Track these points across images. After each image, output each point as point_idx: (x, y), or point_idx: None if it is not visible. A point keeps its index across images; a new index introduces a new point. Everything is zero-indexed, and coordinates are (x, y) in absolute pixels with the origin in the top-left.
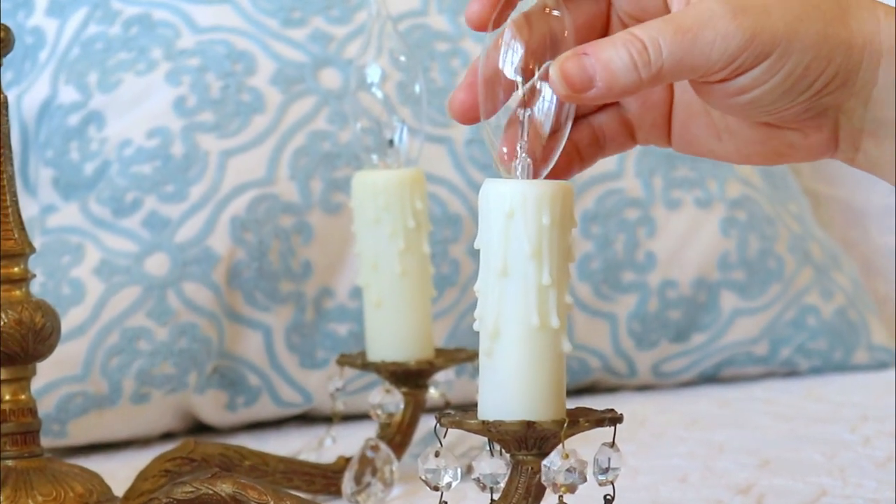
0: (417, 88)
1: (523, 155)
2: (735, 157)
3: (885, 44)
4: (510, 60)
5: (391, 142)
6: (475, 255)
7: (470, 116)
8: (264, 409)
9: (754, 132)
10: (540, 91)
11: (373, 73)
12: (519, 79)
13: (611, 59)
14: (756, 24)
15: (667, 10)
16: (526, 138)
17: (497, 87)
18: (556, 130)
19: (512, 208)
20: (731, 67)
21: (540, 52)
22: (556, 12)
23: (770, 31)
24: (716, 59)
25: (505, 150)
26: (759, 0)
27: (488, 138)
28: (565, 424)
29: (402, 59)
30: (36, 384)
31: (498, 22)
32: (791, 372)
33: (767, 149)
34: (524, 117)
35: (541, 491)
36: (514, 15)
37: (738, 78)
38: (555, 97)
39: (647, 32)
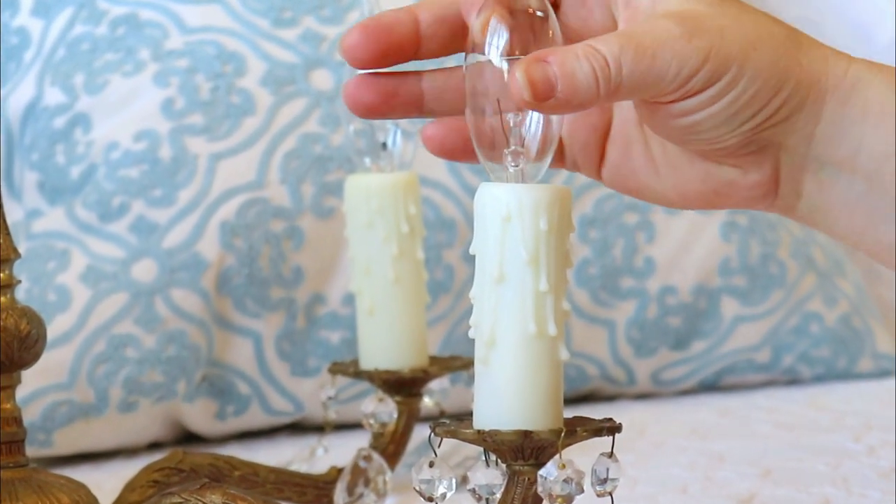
0: None
1: (515, 157)
2: (672, 195)
3: (830, 82)
4: (496, 45)
5: (384, 144)
6: (470, 260)
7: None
8: (255, 418)
9: (694, 168)
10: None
11: None
12: (505, 66)
13: (574, 70)
14: (710, 46)
15: (612, 27)
16: (517, 141)
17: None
18: (548, 132)
19: (509, 213)
20: (684, 89)
21: (525, 43)
22: (539, 13)
23: (724, 54)
24: (670, 79)
25: (494, 152)
26: (715, 22)
27: (475, 138)
28: (562, 434)
29: None
30: (21, 392)
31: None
32: (793, 380)
33: (707, 188)
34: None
35: (537, 502)
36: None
37: (686, 100)
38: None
39: (608, 48)
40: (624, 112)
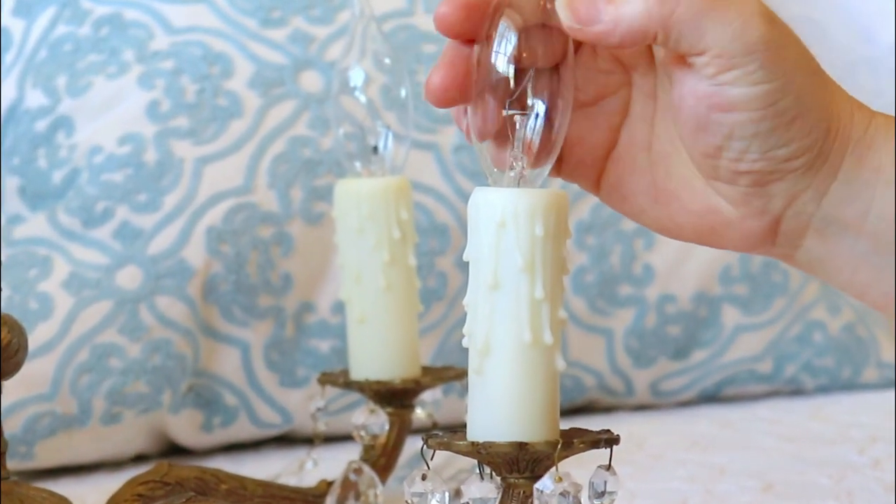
0: (403, 92)
1: (516, 162)
2: (666, 224)
3: (853, 138)
4: (503, 51)
5: (375, 148)
6: (463, 267)
7: (448, 98)
8: (242, 429)
9: (695, 200)
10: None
11: (356, 77)
12: (512, 71)
13: None
14: (779, 38)
15: None
16: (518, 145)
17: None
18: (549, 136)
19: (503, 218)
20: (738, 61)
21: (534, 48)
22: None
23: (786, 55)
24: (729, 38)
25: (495, 156)
26: (785, 26)
27: (477, 144)
28: (559, 446)
29: (387, 61)
30: (2, 403)
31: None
32: (796, 391)
33: (703, 223)
34: (519, 123)
35: None
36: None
37: (733, 88)
38: (546, 106)
39: None
40: (634, 134)
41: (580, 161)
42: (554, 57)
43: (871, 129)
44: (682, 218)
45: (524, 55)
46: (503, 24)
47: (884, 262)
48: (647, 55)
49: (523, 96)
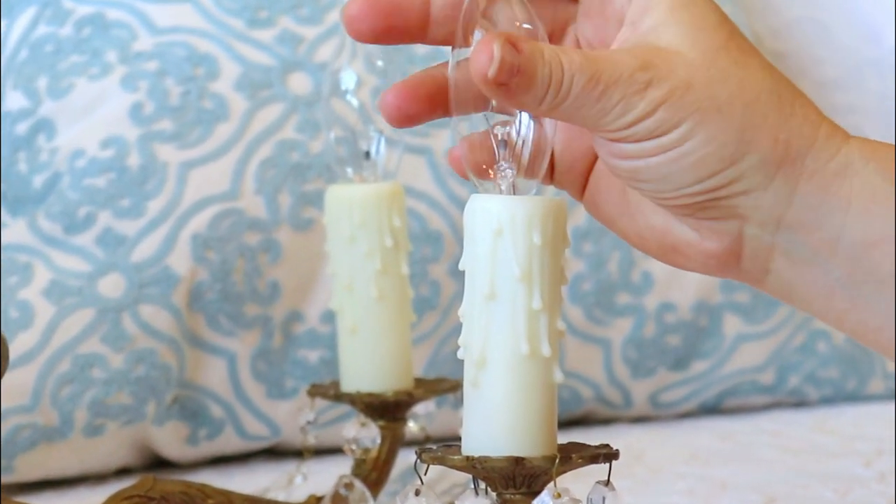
0: None
1: (507, 169)
2: (633, 238)
3: (810, 166)
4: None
5: (367, 153)
6: (457, 276)
7: (404, 115)
8: (229, 442)
9: (657, 218)
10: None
11: (347, 79)
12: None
13: (536, 68)
14: (666, 99)
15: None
16: (508, 151)
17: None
18: (539, 143)
19: (500, 226)
20: (625, 133)
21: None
22: (527, 25)
23: (681, 108)
24: (611, 119)
25: (483, 165)
26: (689, 72)
27: (466, 156)
28: (556, 461)
29: (380, 63)
30: None
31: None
32: (800, 402)
33: (665, 241)
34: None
35: None
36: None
37: (627, 144)
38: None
39: (570, 63)
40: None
41: (569, 167)
42: None
43: (842, 153)
44: (647, 233)
45: None
46: (479, 33)
47: (861, 289)
48: None
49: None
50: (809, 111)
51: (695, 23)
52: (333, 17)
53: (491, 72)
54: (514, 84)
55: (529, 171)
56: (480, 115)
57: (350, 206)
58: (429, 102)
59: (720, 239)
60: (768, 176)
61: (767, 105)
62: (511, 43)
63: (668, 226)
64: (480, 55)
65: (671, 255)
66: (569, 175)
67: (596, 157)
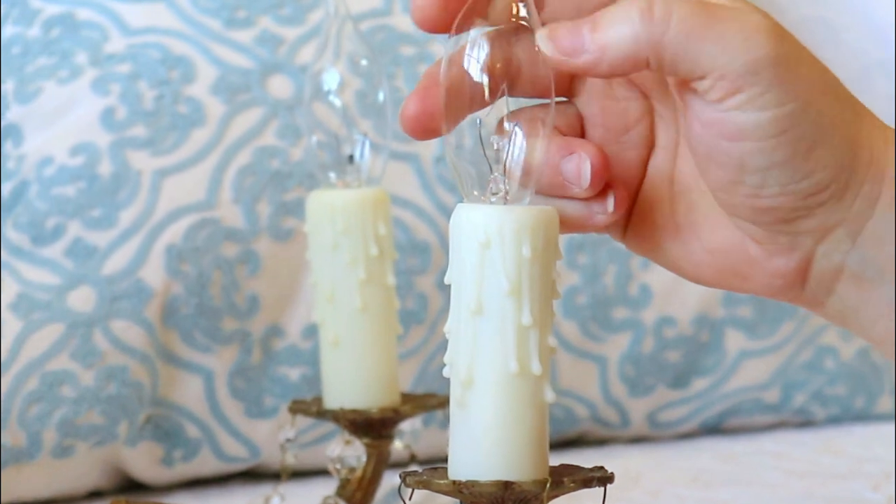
0: (381, 97)
1: (500, 179)
2: (685, 265)
3: (888, 173)
4: (476, 59)
5: (351, 158)
6: (446, 289)
7: (428, 128)
8: (205, 464)
9: (717, 236)
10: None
11: (329, 81)
12: (486, 80)
13: (612, 17)
14: (789, 55)
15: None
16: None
17: (463, 94)
18: (531, 158)
19: (488, 238)
20: (742, 82)
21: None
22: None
23: (798, 75)
24: (730, 57)
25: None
26: (797, 43)
27: (450, 159)
28: (548, 485)
29: (364, 63)
30: None
31: (461, 26)
32: (806, 422)
33: (725, 263)
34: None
35: None
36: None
37: (741, 114)
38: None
39: None
40: (658, 166)
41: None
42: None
43: None
44: (702, 258)
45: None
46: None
47: None
48: (662, 77)
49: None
50: (871, 115)
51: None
52: (315, 16)
53: (550, 53)
54: (593, 43)
55: (522, 185)
56: (469, 124)
57: (333, 212)
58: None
59: (790, 256)
60: (859, 179)
61: (848, 100)
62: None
63: (730, 246)
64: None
65: (730, 278)
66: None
67: (638, 188)
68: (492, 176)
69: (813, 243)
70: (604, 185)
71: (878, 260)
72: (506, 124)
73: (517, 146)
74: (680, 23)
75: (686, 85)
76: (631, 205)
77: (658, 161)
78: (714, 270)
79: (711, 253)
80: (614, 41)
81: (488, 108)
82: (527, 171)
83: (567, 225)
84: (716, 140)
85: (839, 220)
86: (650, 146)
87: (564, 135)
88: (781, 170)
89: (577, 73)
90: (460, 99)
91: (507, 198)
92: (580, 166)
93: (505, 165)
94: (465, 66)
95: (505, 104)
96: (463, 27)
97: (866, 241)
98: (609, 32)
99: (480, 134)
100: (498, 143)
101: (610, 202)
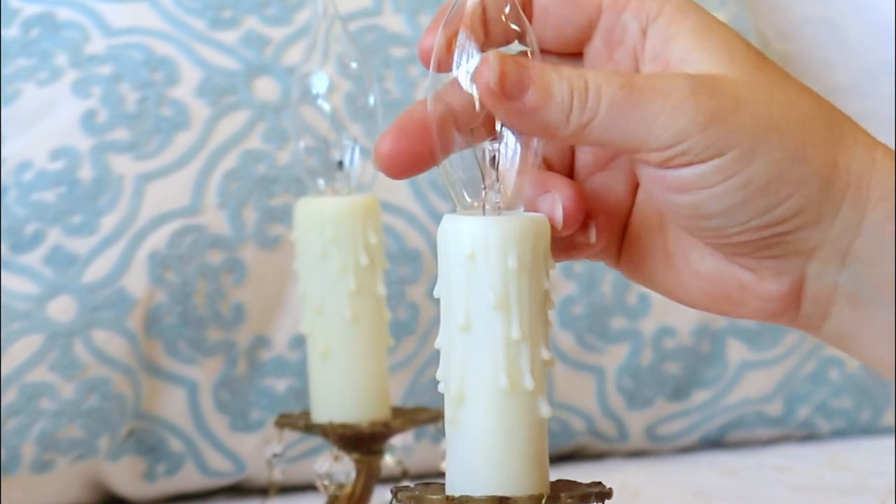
0: (371, 101)
1: (490, 190)
2: (678, 293)
3: (875, 191)
4: (465, 65)
5: (340, 163)
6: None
7: (403, 167)
8: (189, 479)
9: (706, 264)
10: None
11: (318, 83)
12: (475, 91)
13: (551, 83)
14: (717, 111)
15: None
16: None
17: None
18: (526, 160)
19: (473, 250)
20: (673, 151)
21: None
22: (514, 26)
23: (732, 124)
24: (656, 133)
25: (464, 187)
26: (737, 90)
27: (441, 167)
28: (544, 500)
29: (354, 65)
30: None
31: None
32: (810, 435)
33: (717, 289)
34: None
35: None
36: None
37: (681, 169)
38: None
39: (595, 77)
40: (645, 192)
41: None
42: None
43: None
44: (694, 285)
45: None
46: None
47: None
48: None
49: (490, 121)
50: (859, 133)
51: (724, 46)
52: (303, 16)
53: (492, 82)
54: (528, 101)
55: (514, 195)
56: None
57: (321, 220)
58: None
59: (781, 280)
60: (835, 203)
61: (819, 125)
62: (516, 60)
63: (720, 272)
64: (482, 69)
65: (724, 304)
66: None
67: (628, 215)
68: (484, 183)
69: (801, 264)
70: (582, 219)
71: (872, 280)
72: (498, 128)
73: (510, 151)
74: (608, 109)
75: None
76: (622, 232)
77: (647, 191)
78: (706, 296)
79: (702, 279)
80: (547, 113)
81: (480, 113)
82: (521, 178)
83: (555, 253)
84: (664, 193)
85: (819, 243)
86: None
87: (550, 165)
88: (739, 210)
89: (500, 115)
90: (449, 133)
91: (500, 206)
92: (553, 207)
93: (497, 172)
94: (454, 69)
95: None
96: (445, 66)
97: (857, 261)
98: (549, 100)
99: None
100: (489, 149)
101: (591, 234)
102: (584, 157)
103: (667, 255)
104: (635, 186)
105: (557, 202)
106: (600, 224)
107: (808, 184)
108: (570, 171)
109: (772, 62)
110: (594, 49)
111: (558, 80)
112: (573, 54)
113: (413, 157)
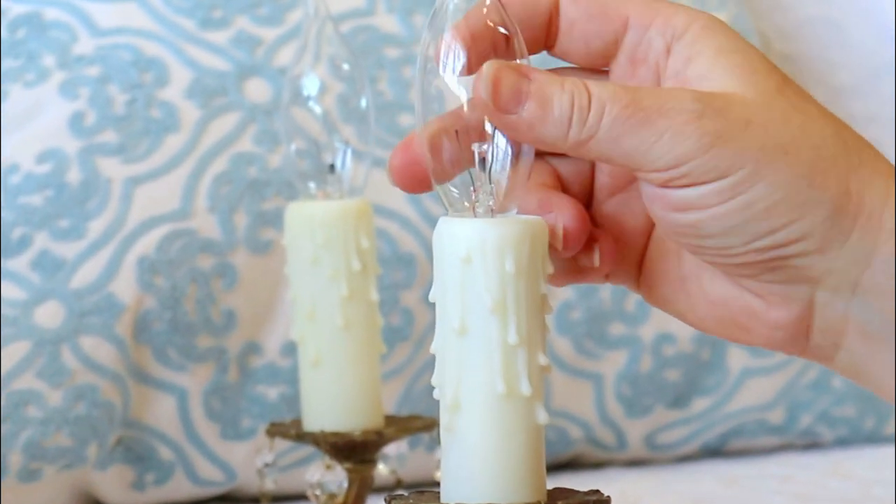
0: (363, 103)
1: (483, 193)
2: (690, 316)
3: (888, 223)
4: (451, 68)
5: (332, 166)
6: (433, 302)
7: (416, 178)
8: (178, 488)
9: (715, 288)
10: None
11: (309, 85)
12: (463, 92)
13: (551, 96)
14: (724, 132)
15: None
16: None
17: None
18: (517, 164)
19: (469, 253)
20: (674, 173)
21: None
22: (502, 29)
23: (738, 147)
24: (658, 154)
25: (455, 190)
26: (747, 111)
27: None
28: None
29: (346, 67)
30: None
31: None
32: (812, 444)
33: (725, 314)
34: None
35: None
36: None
37: (683, 189)
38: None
39: (600, 91)
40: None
41: (622, 256)
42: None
43: None
44: (704, 309)
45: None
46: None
47: None
48: None
49: (480, 125)
50: (879, 161)
51: (745, 66)
52: (294, 16)
53: (485, 94)
54: (525, 116)
55: (506, 199)
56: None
57: (312, 224)
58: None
59: (789, 307)
60: (843, 231)
61: (834, 151)
62: (516, 68)
63: (729, 297)
64: (476, 80)
65: (733, 329)
66: (622, 265)
67: (649, 239)
68: (474, 185)
69: (809, 292)
70: (584, 240)
71: (883, 313)
72: (488, 129)
73: (501, 153)
74: (609, 127)
75: None
76: (641, 255)
77: None
78: (716, 322)
79: (713, 304)
80: (545, 127)
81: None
82: (513, 180)
83: (560, 276)
84: (664, 211)
85: (826, 271)
86: None
87: (567, 186)
88: (740, 231)
89: (498, 126)
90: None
91: (493, 208)
92: (555, 229)
93: (489, 174)
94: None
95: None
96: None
97: (867, 292)
98: (547, 113)
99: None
100: (480, 150)
101: (595, 257)
102: (603, 179)
103: (681, 279)
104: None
105: (559, 222)
106: (605, 248)
107: (815, 209)
108: (588, 193)
109: (795, 85)
110: (619, 65)
111: (559, 94)
112: (599, 70)
113: (425, 170)
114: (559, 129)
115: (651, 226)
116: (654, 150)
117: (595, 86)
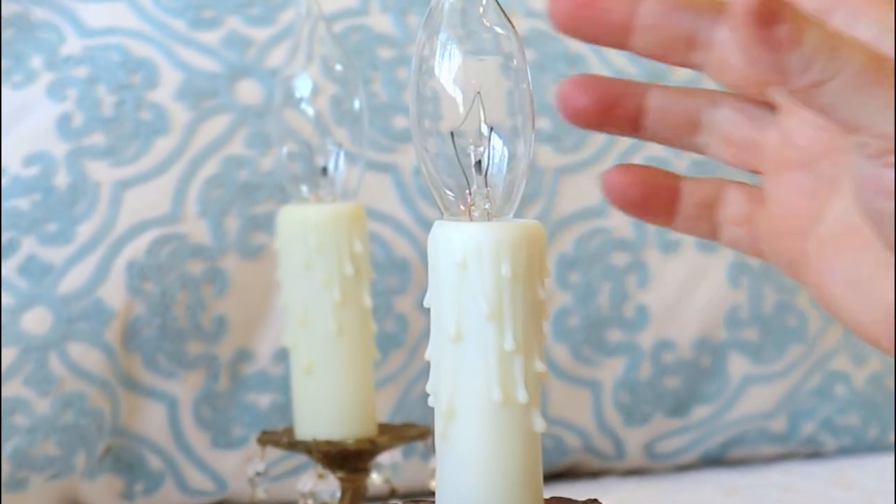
0: (356, 104)
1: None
2: (861, 319)
3: None
4: (447, 69)
5: (324, 169)
6: (427, 308)
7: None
8: (168, 497)
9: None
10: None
11: (302, 87)
12: (459, 94)
13: (807, 28)
14: None
15: None
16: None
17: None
18: (515, 171)
19: (465, 258)
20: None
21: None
22: (498, 28)
23: None
24: (887, 118)
25: (450, 193)
26: None
27: (425, 171)
28: None
29: (339, 68)
30: None
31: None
32: (815, 452)
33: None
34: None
35: None
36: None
37: (891, 171)
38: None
39: (851, 42)
40: (840, 207)
41: (782, 233)
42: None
43: None
44: (880, 313)
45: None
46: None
47: None
48: None
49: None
50: None
51: None
52: (286, 16)
53: (745, 13)
54: (778, 35)
55: (504, 200)
56: (445, 135)
57: (305, 228)
58: (606, 104)
59: None
60: None
61: None
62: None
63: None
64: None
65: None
66: (784, 242)
67: (814, 224)
68: (469, 189)
69: None
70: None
71: None
72: (483, 130)
73: (498, 156)
74: (849, 76)
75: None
76: (804, 242)
77: (841, 203)
78: (891, 329)
79: (889, 311)
80: (787, 50)
81: (464, 116)
82: (509, 185)
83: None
84: (870, 196)
85: None
86: (835, 183)
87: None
88: None
89: (760, 77)
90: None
91: (489, 212)
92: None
93: (486, 177)
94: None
95: (480, 110)
96: None
97: None
98: (795, 42)
99: (455, 144)
100: (475, 153)
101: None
102: (790, 150)
103: (855, 279)
104: (827, 196)
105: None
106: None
107: None
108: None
109: None
110: None
111: (815, 28)
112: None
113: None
114: (802, 61)
115: (819, 214)
116: (885, 113)
117: (846, 35)
